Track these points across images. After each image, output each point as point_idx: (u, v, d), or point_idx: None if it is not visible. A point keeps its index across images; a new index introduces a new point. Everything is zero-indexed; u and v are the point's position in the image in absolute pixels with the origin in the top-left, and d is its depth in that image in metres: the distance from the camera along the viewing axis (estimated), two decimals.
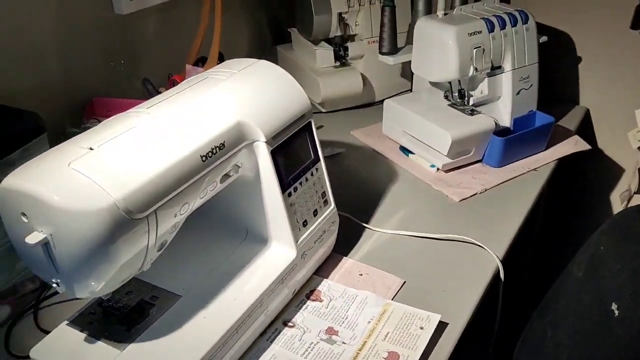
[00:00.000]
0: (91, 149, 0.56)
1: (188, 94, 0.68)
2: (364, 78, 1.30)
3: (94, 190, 0.52)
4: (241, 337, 0.67)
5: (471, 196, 1.02)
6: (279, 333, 0.74)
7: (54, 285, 0.57)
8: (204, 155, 0.61)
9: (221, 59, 1.05)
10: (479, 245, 0.89)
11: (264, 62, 0.78)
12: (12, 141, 0.71)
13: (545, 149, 1.15)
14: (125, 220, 0.53)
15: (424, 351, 0.70)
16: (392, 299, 0.79)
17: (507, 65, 1.10)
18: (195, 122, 0.63)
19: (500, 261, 0.86)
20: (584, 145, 1.18)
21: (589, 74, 1.35)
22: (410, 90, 1.30)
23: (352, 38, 1.30)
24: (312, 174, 0.78)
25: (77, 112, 0.97)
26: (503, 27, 1.07)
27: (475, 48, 1.04)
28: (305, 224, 0.77)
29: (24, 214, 0.52)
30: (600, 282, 0.67)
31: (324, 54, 1.26)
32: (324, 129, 1.26)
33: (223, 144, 0.64)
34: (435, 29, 1.05)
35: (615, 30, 1.26)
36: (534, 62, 1.13)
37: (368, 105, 1.34)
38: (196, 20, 1.07)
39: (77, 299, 0.60)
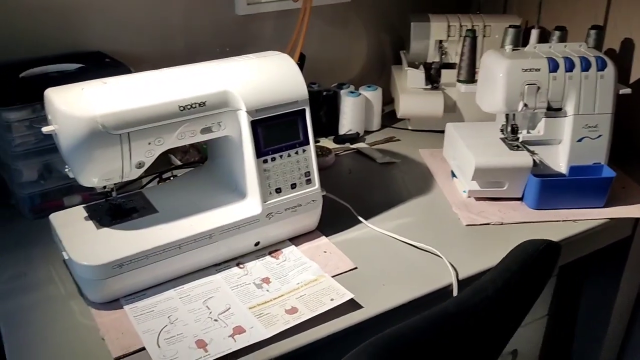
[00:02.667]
0: (105, 83, 0.81)
1: (202, 64, 0.89)
2: (454, 104, 1.36)
3: (85, 106, 0.77)
4: (185, 254, 0.85)
5: (481, 224, 1.03)
6: (228, 269, 0.90)
7: (67, 171, 0.83)
8: (182, 106, 0.82)
9: (302, 59, 1.24)
10: (445, 260, 0.91)
11: (282, 55, 0.95)
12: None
13: (605, 206, 1.07)
14: (101, 132, 0.77)
15: (320, 316, 0.79)
16: (333, 276, 0.88)
17: (570, 109, 1.07)
18: (188, 83, 0.84)
19: (458, 280, 0.88)
20: None
21: None
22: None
23: (451, 66, 1.37)
24: (296, 153, 0.93)
25: None
26: (570, 69, 1.05)
27: (528, 84, 1.04)
28: (278, 191, 0.92)
29: (49, 114, 0.80)
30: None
31: (415, 75, 1.36)
32: (399, 143, 1.36)
33: (204, 103, 0.84)
34: (492, 61, 1.08)
35: None
36: (607, 112, 1.07)
37: None
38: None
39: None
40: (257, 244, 0.93)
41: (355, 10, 1.46)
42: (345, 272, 0.90)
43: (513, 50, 1.10)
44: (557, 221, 1.04)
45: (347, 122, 1.35)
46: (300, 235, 0.98)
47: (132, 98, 0.80)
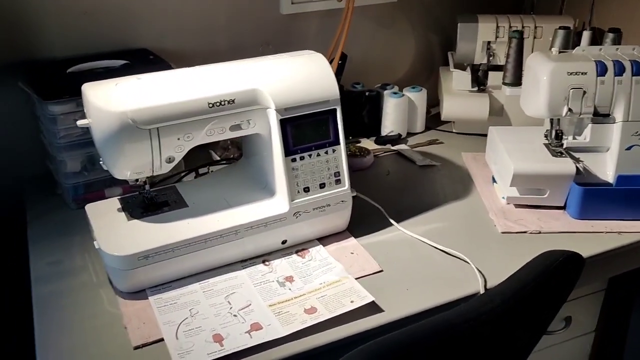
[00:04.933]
0: (138, 79, 0.84)
1: (235, 62, 0.90)
2: (500, 108, 1.32)
3: (117, 101, 0.79)
4: (211, 249, 0.87)
5: (517, 232, 0.99)
6: (253, 265, 0.91)
7: (101, 163, 0.87)
8: (211, 103, 0.84)
9: (343, 59, 1.23)
10: (473, 266, 0.88)
11: (316, 55, 0.95)
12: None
13: None
14: (131, 126, 0.79)
15: (339, 317, 0.78)
16: (357, 278, 0.87)
17: (619, 115, 1.01)
18: (218, 80, 0.86)
19: (486, 289, 0.85)
20: None
21: None
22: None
23: (499, 68, 1.33)
24: (326, 153, 0.92)
25: None
26: (619, 73, 0.99)
27: (573, 88, 0.99)
28: (306, 190, 0.92)
29: (85, 108, 0.83)
30: None
31: (461, 76, 1.32)
32: (442, 146, 1.33)
33: (233, 101, 0.85)
34: (537, 63, 1.04)
35: None
36: None
37: None
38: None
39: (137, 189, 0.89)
40: (284, 242, 0.94)
41: (402, 10, 1.44)
42: (370, 274, 0.89)
43: (560, 52, 1.05)
44: (600, 232, 0.98)
45: (390, 123, 1.33)
46: (329, 235, 0.98)
47: (162, 94, 0.82)
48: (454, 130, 1.38)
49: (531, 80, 1.07)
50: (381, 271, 0.90)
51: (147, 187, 0.91)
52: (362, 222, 1.01)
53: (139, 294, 0.84)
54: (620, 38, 1.15)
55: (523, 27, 1.28)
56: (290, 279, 0.88)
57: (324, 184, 0.93)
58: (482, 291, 0.85)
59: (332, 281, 0.86)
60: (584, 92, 1.00)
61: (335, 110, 0.92)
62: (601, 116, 1.02)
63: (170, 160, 0.86)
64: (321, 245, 0.95)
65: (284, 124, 0.88)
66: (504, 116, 1.32)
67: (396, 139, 1.33)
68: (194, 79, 0.86)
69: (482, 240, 0.98)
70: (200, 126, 0.85)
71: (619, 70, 0.99)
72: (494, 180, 1.14)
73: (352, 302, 0.81)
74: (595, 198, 1.00)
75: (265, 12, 1.29)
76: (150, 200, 0.92)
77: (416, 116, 1.37)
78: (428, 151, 1.30)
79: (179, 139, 0.84)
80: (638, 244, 0.97)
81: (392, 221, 1.02)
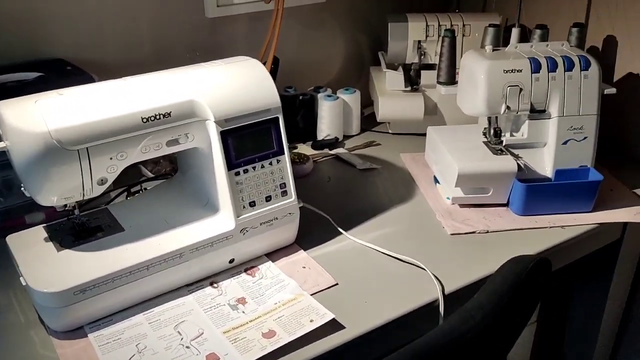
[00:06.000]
0: (60, 94, 0.75)
1: (167, 72, 0.84)
2: (435, 107, 1.32)
3: (39, 120, 0.71)
4: (154, 275, 0.80)
5: (466, 233, 0.99)
6: (201, 289, 0.85)
7: (23, 189, 0.77)
8: (145, 118, 0.77)
9: (275, 63, 1.19)
10: (429, 272, 0.87)
11: (252, 61, 0.90)
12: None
13: (592, 211, 1.04)
14: (56, 148, 0.71)
15: (300, 339, 0.74)
16: (313, 294, 0.84)
17: (554, 111, 1.03)
18: (151, 92, 0.79)
19: (444, 295, 0.84)
20: None
21: None
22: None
23: (430, 67, 1.33)
24: (270, 164, 0.88)
25: None
26: (553, 69, 1.01)
27: (510, 86, 1.01)
28: (252, 204, 0.87)
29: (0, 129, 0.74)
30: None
31: (394, 77, 1.31)
32: (379, 147, 1.31)
33: (169, 114, 0.78)
34: (473, 62, 1.05)
35: None
36: (592, 114, 1.03)
37: None
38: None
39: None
40: (231, 261, 0.88)
41: (330, 11, 1.42)
42: (325, 289, 0.85)
43: (493, 50, 1.07)
44: (544, 228, 1.00)
45: (325, 127, 1.30)
46: (277, 249, 0.93)
47: (90, 110, 0.74)
48: (389, 131, 1.38)
49: (467, 79, 1.08)
50: (336, 284, 0.86)
51: (76, 211, 0.83)
52: (310, 233, 0.97)
53: (77, 331, 0.76)
54: (548, 34, 1.19)
55: (452, 25, 1.29)
56: (242, 300, 0.83)
57: (270, 196, 0.89)
58: (440, 298, 0.83)
59: (287, 300, 0.82)
60: (521, 90, 1.01)
61: (277, 118, 0.88)
62: (537, 112, 1.04)
63: (102, 182, 0.78)
64: (270, 262, 0.91)
65: (224, 136, 0.83)
66: (439, 115, 1.33)
67: (333, 143, 1.30)
68: (124, 91, 0.78)
69: (433, 244, 0.97)
70: (134, 143, 0.77)
71: (552, 66, 1.02)
72: (436, 181, 1.14)
73: (311, 321, 0.77)
74: (538, 194, 1.01)
75: (189, 16, 1.22)
76: (81, 226, 0.84)
77: (351, 118, 1.35)
78: (366, 154, 1.28)
79: (111, 158, 0.76)
80: (581, 237, 0.99)
81: (340, 230, 0.99)
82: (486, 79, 1.01)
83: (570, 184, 1.02)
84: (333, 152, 1.27)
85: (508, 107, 1.02)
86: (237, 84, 0.85)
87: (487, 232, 0.99)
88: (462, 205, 1.06)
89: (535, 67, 1.02)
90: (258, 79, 0.87)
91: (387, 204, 1.08)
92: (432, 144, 1.15)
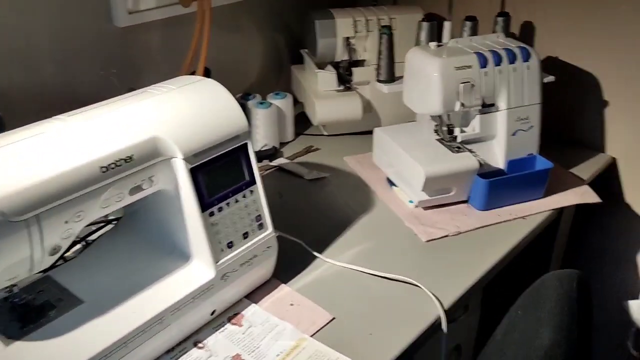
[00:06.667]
0: None
1: (113, 105, 0.69)
2: (369, 105, 1.28)
3: None
4: (135, 351, 0.67)
5: (440, 237, 0.96)
6: (185, 353, 0.73)
7: None
8: (104, 167, 0.63)
9: (207, 73, 1.07)
10: (426, 291, 0.83)
11: (208, 81, 0.78)
12: None
13: (544, 197, 1.07)
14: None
15: None
16: (313, 334, 0.76)
17: (502, 104, 1.03)
18: (104, 134, 0.65)
19: (445, 311, 0.81)
20: (592, 197, 1.09)
21: (618, 120, 1.24)
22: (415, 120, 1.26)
23: (360, 63, 1.29)
24: (244, 196, 0.77)
25: None
26: (498, 63, 1.01)
27: (462, 83, 0.99)
28: (230, 245, 0.76)
29: None
30: (505, 350, 0.61)
31: (326, 76, 1.25)
32: (319, 152, 1.25)
33: (130, 157, 0.65)
34: (422, 60, 1.01)
35: None
36: (536, 103, 1.05)
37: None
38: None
39: None
40: (213, 312, 0.77)
41: (246, 11, 1.30)
42: (324, 325, 0.78)
43: (438, 46, 1.04)
44: (509, 220, 1.01)
45: (261, 137, 1.20)
46: (256, 289, 0.83)
47: (35, 167, 0.59)
48: (325, 133, 1.31)
49: (416, 77, 1.04)
50: (333, 319, 0.79)
51: (15, 288, 0.67)
52: (283, 263, 0.88)
53: None
54: (477, 26, 1.19)
55: (378, 19, 1.25)
56: (238, 358, 0.72)
57: (247, 233, 0.78)
58: (442, 315, 0.80)
59: (289, 348, 0.73)
60: (472, 85, 1.00)
61: (246, 145, 0.77)
62: (487, 106, 1.04)
63: (55, 251, 0.63)
64: (254, 304, 0.81)
65: (194, 173, 0.71)
66: (373, 112, 1.29)
67: (273, 153, 1.21)
68: (69, 136, 0.63)
69: (412, 254, 0.93)
70: (93, 199, 0.63)
71: (497, 60, 1.01)
72: (391, 183, 1.10)
73: None
74: (499, 188, 1.02)
75: (96, 26, 1.04)
76: (24, 307, 0.67)
77: (285, 124, 1.26)
78: (308, 160, 1.21)
79: (66, 222, 0.62)
80: (542, 225, 1.02)
81: (315, 253, 0.91)
82: (440, 78, 0.98)
83: (529, 174, 1.04)
84: (274, 163, 1.18)
85: (462, 104, 1.00)
86: (200, 112, 0.73)
87: (459, 233, 0.98)
88: (426, 208, 1.04)
89: (482, 62, 1.01)
90: (221, 103, 0.76)
91: (351, 216, 1.02)
92: (383, 146, 1.11)
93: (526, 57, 1.03)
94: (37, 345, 0.64)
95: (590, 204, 1.08)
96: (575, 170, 1.18)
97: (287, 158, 1.20)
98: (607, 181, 1.25)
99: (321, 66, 1.28)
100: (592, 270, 1.38)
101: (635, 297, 1.25)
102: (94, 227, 0.87)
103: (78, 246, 0.84)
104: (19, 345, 0.63)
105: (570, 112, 1.29)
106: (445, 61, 0.99)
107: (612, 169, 1.26)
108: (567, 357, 0.54)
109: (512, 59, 1.02)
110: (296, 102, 1.34)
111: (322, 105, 1.22)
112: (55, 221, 0.60)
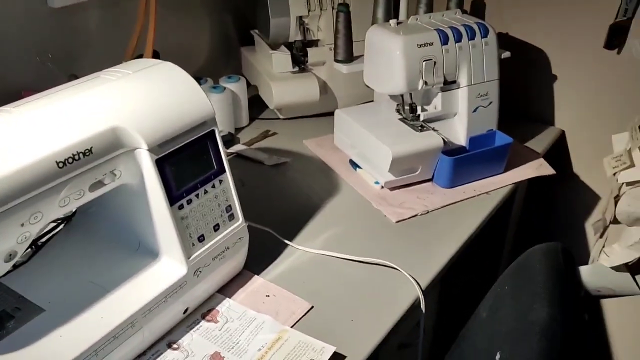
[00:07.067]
0: None
1: (64, 93, 0.63)
2: (325, 86, 1.25)
3: None
4: (106, 359, 0.62)
5: (410, 217, 0.95)
6: (159, 355, 0.68)
7: None
8: (60, 162, 0.57)
9: (156, 57, 1.00)
10: (404, 272, 0.82)
11: (167, 64, 0.73)
12: None
13: (504, 172, 1.08)
14: None
15: None
16: (293, 325, 0.73)
17: (463, 81, 1.03)
18: (58, 125, 0.59)
19: (423, 291, 0.80)
20: (548, 170, 1.11)
21: (565, 94, 1.27)
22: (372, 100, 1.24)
23: (314, 43, 1.25)
24: (213, 186, 0.73)
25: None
26: (459, 39, 1.00)
27: (425, 61, 0.98)
28: (201, 239, 0.72)
29: None
30: (494, 327, 0.60)
31: (281, 58, 1.20)
32: (277, 137, 1.21)
33: (90, 150, 0.59)
34: (384, 38, 0.99)
35: (594, 50, 1.18)
36: (494, 79, 1.06)
37: (330, 114, 1.28)
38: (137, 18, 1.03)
39: None
40: (185, 310, 0.73)
41: None
42: (304, 315, 0.75)
43: (398, 24, 1.02)
44: (473, 197, 1.02)
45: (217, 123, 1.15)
46: (228, 282, 0.79)
47: None
48: (281, 117, 1.27)
49: (377, 56, 1.02)
50: (312, 308, 0.77)
51: None
52: (254, 254, 0.84)
53: None
54: (432, 2, 1.18)
55: None
56: (217, 357, 0.69)
57: (217, 225, 0.74)
58: (420, 295, 0.79)
59: (271, 341, 0.70)
60: (435, 63, 0.99)
61: (213, 131, 0.73)
62: (449, 84, 1.03)
63: (11, 257, 0.57)
64: (227, 298, 0.77)
65: (161, 164, 0.66)
66: (329, 93, 1.26)
67: (229, 140, 1.16)
68: (20, 129, 0.57)
69: (383, 236, 0.91)
70: (50, 198, 0.57)
71: (458, 36, 1.00)
72: (354, 165, 1.08)
73: None
74: (463, 165, 1.02)
75: (27, 6, 0.95)
76: None
77: (240, 109, 1.21)
78: (267, 146, 1.17)
79: (22, 224, 0.55)
80: (505, 199, 1.03)
81: (286, 241, 0.88)
82: (403, 56, 0.96)
83: (491, 149, 1.04)
84: (232, 150, 1.13)
85: (425, 82, 0.99)
86: (163, 98, 0.67)
87: (428, 212, 0.97)
88: (392, 188, 1.02)
89: (444, 39, 0.99)
90: (184, 88, 0.70)
91: (317, 200, 0.99)
92: (345, 128, 1.08)
93: (485, 33, 1.03)
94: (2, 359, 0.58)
95: (545, 176, 1.10)
96: (530, 144, 1.20)
97: (244, 144, 1.16)
98: (558, 152, 1.28)
99: (274, 47, 1.23)
100: (544, 240, 1.42)
101: (584, 263, 1.30)
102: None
103: (27, 250, 0.77)
104: None
105: (523, 88, 1.30)
106: (407, 39, 0.97)
107: (561, 141, 1.30)
108: (565, 330, 0.54)
109: (472, 35, 1.02)
110: (248, 85, 1.29)
111: (279, 87, 1.18)
112: (10, 224, 0.54)
